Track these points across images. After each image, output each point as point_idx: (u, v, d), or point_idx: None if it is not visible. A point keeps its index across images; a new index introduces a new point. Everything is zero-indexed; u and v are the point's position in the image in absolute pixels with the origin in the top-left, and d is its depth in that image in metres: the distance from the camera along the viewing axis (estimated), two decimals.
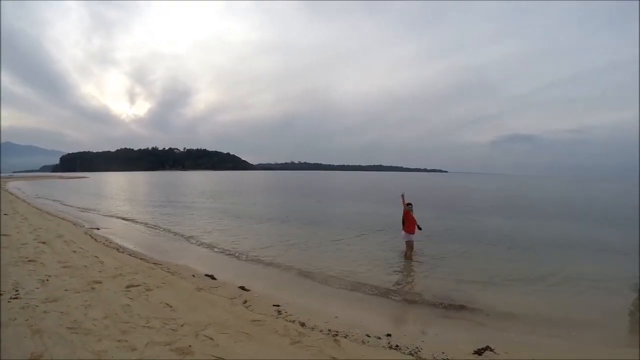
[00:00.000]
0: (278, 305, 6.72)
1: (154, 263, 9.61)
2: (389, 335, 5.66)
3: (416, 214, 10.98)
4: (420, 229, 10.72)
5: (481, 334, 5.97)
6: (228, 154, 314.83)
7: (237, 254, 11.48)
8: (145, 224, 17.31)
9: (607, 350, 5.55)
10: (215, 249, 12.17)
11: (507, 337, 5.91)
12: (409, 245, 10.69)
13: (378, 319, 6.61)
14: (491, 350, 5.27)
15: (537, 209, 27.87)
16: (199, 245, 12.82)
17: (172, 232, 15.13)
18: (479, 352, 5.24)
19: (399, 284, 8.70)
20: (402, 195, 10.76)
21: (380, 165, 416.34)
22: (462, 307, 7.26)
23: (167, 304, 6.21)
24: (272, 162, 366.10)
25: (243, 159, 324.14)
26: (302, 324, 5.87)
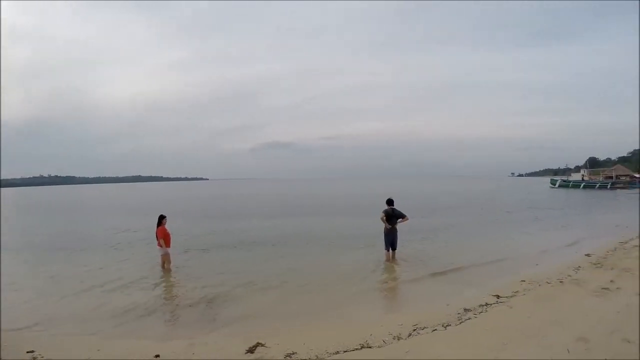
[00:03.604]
0: (33, 351, 5.39)
1: None
2: (157, 356, 5.01)
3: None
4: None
5: (248, 332, 5.84)
6: None
7: None
8: None
9: (369, 325, 5.97)
10: None
11: (273, 329, 5.92)
12: (166, 258, 10.29)
13: (142, 341, 5.80)
14: (262, 345, 5.22)
15: (295, 208, 31.06)
16: None
17: None
18: (251, 350, 5.12)
19: (159, 299, 7.98)
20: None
21: (139, 176, 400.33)
22: (224, 310, 7.13)
23: None
24: (18, 176, 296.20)
25: None
26: None
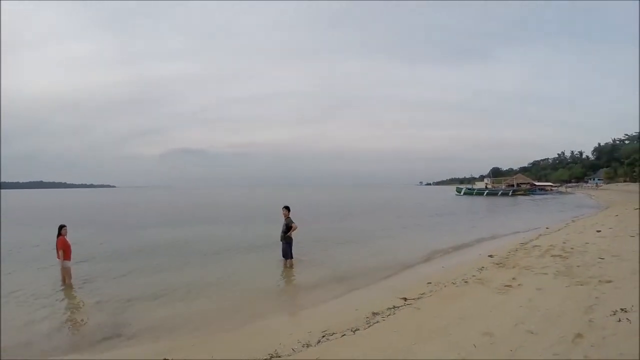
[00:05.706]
0: None
1: None
2: None
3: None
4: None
5: (155, 347, 5.53)
6: None
7: None
8: None
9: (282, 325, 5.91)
10: None
11: (181, 344, 5.64)
12: (66, 272, 9.36)
13: None
14: None
15: (199, 217, 30.44)
16: None
17: None
18: None
19: (59, 319, 7.06)
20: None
21: (41, 182, 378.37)
22: (129, 326, 6.64)
23: None
24: None
25: None
26: None
